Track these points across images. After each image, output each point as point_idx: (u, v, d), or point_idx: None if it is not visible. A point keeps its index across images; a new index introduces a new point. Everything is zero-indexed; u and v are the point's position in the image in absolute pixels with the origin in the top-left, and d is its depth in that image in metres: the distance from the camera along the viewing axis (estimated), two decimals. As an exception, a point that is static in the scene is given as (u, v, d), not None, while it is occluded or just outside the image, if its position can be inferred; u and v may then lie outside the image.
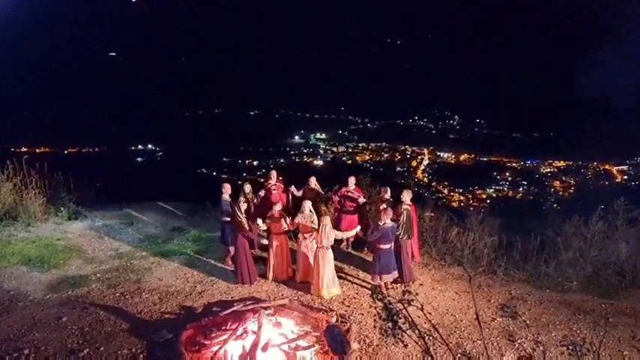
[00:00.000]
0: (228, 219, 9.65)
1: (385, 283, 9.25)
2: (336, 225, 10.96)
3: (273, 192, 10.92)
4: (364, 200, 10.92)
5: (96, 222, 12.11)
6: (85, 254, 10.40)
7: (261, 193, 10.89)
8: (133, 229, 11.85)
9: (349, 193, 10.88)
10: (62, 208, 12.06)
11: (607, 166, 37.52)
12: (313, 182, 11.12)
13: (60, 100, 41.00)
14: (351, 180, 10.98)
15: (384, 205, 10.12)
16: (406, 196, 9.78)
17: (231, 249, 9.85)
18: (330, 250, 9.01)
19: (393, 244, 9.08)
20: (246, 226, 9.16)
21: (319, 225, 9.05)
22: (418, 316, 8.26)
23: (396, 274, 9.31)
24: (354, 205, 10.84)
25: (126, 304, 8.50)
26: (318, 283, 8.95)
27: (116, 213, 12.77)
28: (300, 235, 9.47)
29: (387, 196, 10.41)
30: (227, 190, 9.89)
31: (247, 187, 10.66)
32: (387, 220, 8.90)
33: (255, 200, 10.70)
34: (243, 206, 9.54)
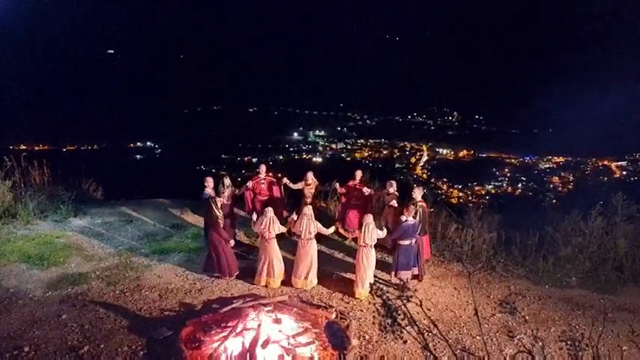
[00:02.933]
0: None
1: (403, 280, 9.16)
2: (343, 219, 10.99)
3: (262, 186, 10.91)
4: (370, 192, 10.90)
5: (95, 219, 12.08)
6: (84, 252, 10.38)
7: (249, 184, 10.86)
8: (132, 226, 11.82)
9: (356, 187, 10.91)
10: (61, 206, 12.02)
11: (606, 162, 37.59)
12: (310, 177, 11.08)
13: (58, 97, 40.92)
14: (358, 173, 11.02)
15: (394, 202, 10.17)
16: (417, 193, 9.77)
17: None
18: (373, 249, 8.91)
19: (414, 240, 9.11)
20: (221, 222, 9.17)
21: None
22: (417, 312, 8.29)
23: (415, 270, 9.34)
24: (361, 198, 10.88)
25: (125, 302, 8.50)
26: (358, 281, 8.90)
27: (115, 210, 12.73)
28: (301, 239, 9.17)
29: (393, 190, 10.44)
30: (209, 183, 9.87)
31: (227, 181, 10.65)
32: (409, 217, 8.93)
33: (237, 192, 10.72)
34: (220, 201, 9.60)
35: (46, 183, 12.34)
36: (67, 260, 9.94)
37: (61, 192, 12.35)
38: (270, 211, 9.03)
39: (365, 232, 8.72)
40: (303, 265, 9.08)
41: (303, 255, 9.07)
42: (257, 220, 9.28)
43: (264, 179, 10.98)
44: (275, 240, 9.13)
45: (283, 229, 9.18)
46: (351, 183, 10.99)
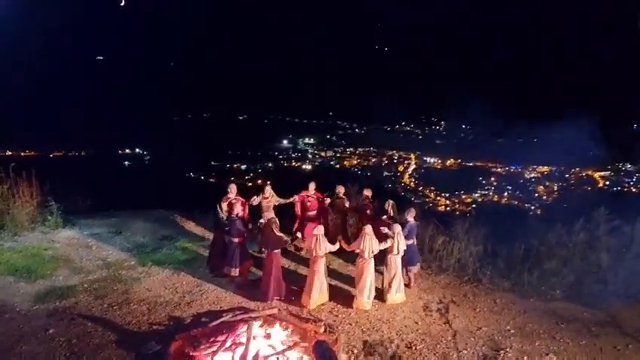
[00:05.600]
0: (237, 240, 9.45)
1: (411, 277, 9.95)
2: (299, 229, 10.95)
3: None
4: (326, 202, 11.09)
5: (84, 231, 12.03)
6: (72, 264, 10.34)
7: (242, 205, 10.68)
8: (122, 237, 11.80)
9: (309, 198, 11.04)
10: (50, 217, 11.97)
11: (589, 172, 38.05)
12: (268, 190, 10.92)
13: (47, 103, 40.56)
14: (311, 185, 11.13)
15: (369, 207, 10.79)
16: (367, 192, 10.93)
17: (235, 270, 9.54)
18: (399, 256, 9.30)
19: (415, 239, 9.91)
20: (287, 240, 9.23)
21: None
22: (405, 326, 8.45)
23: (419, 266, 10.04)
24: (316, 209, 11.05)
25: (114, 315, 8.49)
26: (388, 289, 9.27)
27: (105, 221, 12.70)
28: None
29: (342, 193, 11.10)
30: (238, 209, 9.55)
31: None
32: (410, 219, 9.65)
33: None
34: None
35: (34, 193, 12.22)
36: (55, 273, 9.91)
37: (49, 203, 12.26)
38: (318, 230, 9.04)
39: (398, 240, 9.06)
40: (362, 284, 9.03)
41: (360, 274, 9.07)
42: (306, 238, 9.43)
43: (235, 199, 10.31)
44: (323, 259, 9.11)
45: (332, 248, 9.14)
46: (304, 194, 11.07)
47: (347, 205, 11.13)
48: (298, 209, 11.09)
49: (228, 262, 9.50)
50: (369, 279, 8.98)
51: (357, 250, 9.03)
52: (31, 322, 8.20)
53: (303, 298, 9.09)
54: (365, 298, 9.01)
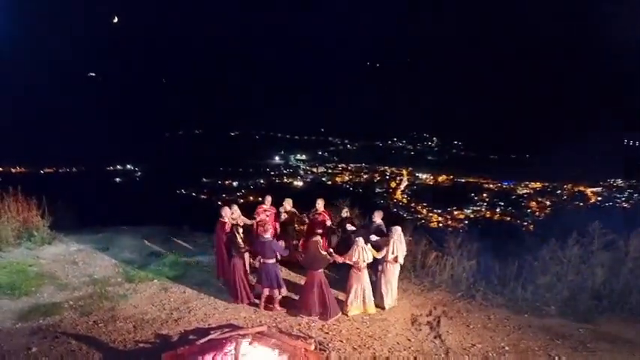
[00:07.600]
0: (273, 260, 9.19)
1: None
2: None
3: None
4: (282, 217, 11.13)
5: (70, 247, 11.80)
6: (57, 280, 10.10)
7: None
8: (109, 254, 11.57)
9: (266, 212, 11.00)
10: (35, 233, 11.73)
11: (581, 188, 38.28)
12: (236, 210, 10.53)
13: (38, 119, 40.39)
14: (268, 199, 11.16)
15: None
16: (320, 204, 11.03)
17: (278, 291, 9.28)
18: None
19: None
20: (330, 259, 9.12)
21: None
22: (397, 343, 8.28)
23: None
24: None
25: (99, 333, 8.26)
26: (385, 296, 9.57)
27: (92, 237, 12.47)
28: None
29: (289, 207, 11.16)
30: (269, 230, 9.24)
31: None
32: (379, 221, 9.95)
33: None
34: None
35: (21, 209, 12.00)
36: (40, 289, 9.69)
37: (36, 218, 12.05)
38: (360, 241, 9.07)
39: (397, 246, 9.31)
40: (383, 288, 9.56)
41: (383, 277, 9.52)
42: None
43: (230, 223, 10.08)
44: (366, 269, 9.26)
45: (370, 259, 9.19)
46: (259, 208, 11.01)
47: (305, 218, 11.12)
48: (256, 222, 10.91)
49: (271, 284, 9.21)
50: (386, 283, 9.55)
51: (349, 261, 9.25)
52: (13, 340, 7.94)
53: (349, 309, 9.27)
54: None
